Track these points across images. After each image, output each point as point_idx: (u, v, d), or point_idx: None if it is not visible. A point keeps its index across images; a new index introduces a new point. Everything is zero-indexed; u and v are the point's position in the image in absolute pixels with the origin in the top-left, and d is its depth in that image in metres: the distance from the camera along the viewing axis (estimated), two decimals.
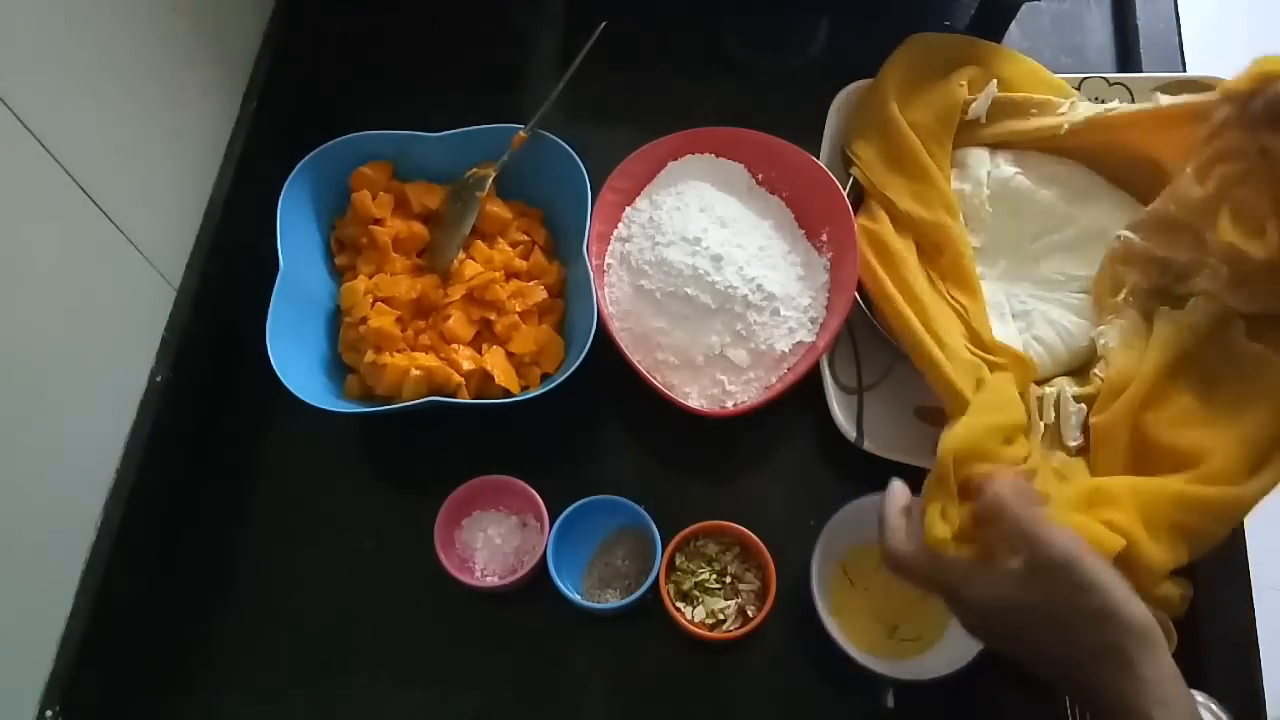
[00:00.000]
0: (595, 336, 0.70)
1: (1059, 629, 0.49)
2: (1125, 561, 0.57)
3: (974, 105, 0.78)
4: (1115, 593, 0.48)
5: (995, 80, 0.79)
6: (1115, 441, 0.64)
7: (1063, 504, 0.60)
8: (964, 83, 0.79)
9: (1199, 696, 0.59)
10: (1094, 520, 0.58)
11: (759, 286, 0.72)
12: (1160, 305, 0.68)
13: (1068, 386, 0.68)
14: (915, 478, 0.67)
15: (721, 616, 0.67)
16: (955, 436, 0.60)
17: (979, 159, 0.78)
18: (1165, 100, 0.74)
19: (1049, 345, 0.72)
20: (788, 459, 0.75)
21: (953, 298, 0.72)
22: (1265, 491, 0.60)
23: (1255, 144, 0.62)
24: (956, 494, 0.56)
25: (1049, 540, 0.49)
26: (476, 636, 0.70)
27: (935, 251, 0.75)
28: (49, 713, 0.62)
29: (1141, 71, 0.87)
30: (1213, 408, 0.63)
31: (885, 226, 0.75)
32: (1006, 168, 0.77)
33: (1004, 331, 0.73)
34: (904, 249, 0.74)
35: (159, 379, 0.72)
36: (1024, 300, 0.75)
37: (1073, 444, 0.66)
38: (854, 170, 0.79)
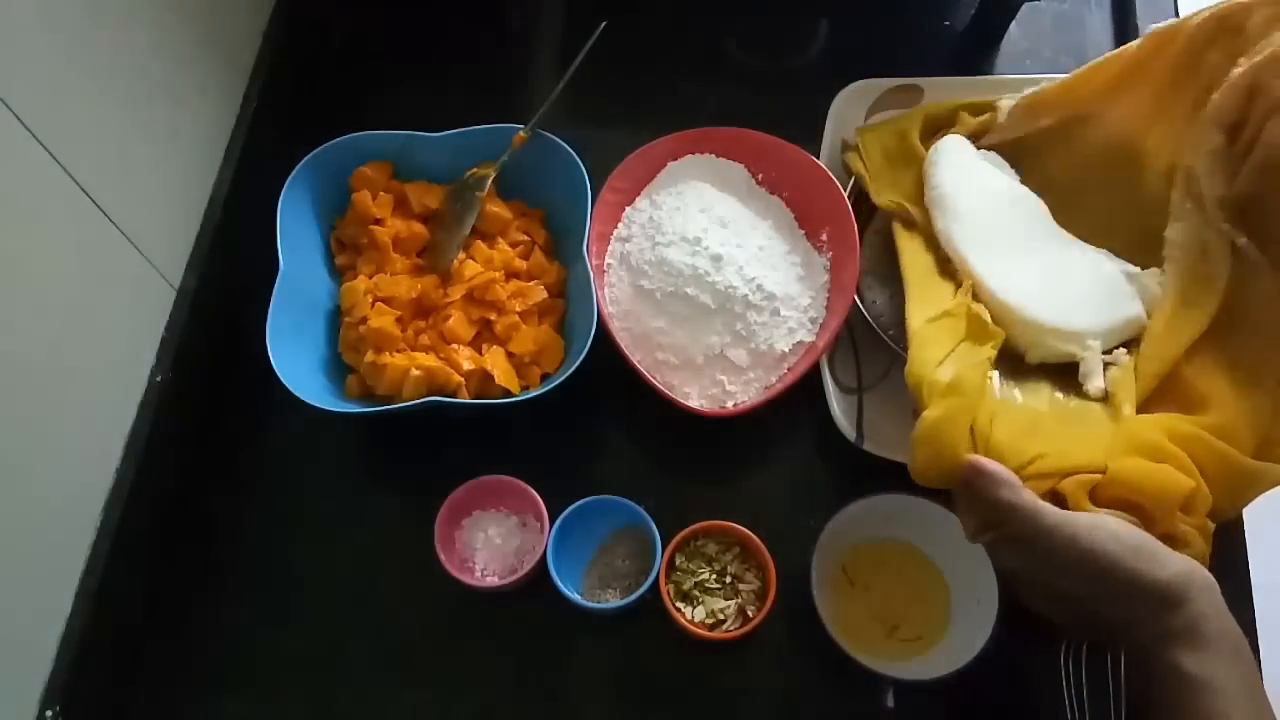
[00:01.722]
0: (595, 336, 0.70)
1: (1087, 606, 0.53)
2: (1189, 501, 0.58)
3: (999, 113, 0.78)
4: (1134, 567, 0.51)
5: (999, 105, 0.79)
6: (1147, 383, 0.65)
7: (1115, 451, 0.60)
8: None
9: None
10: (1153, 462, 0.59)
11: (759, 286, 0.72)
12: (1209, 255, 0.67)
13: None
14: None
15: (721, 616, 0.67)
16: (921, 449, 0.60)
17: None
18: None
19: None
20: (788, 459, 0.75)
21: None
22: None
23: None
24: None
25: (1066, 539, 0.52)
26: (476, 636, 0.70)
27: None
28: (49, 713, 0.62)
29: None
30: (1235, 359, 0.64)
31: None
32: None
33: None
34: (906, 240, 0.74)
35: (159, 379, 0.72)
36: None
37: (1095, 391, 0.66)
38: (848, 156, 0.79)
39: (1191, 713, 0.49)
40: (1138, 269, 0.71)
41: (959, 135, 0.77)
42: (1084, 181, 0.75)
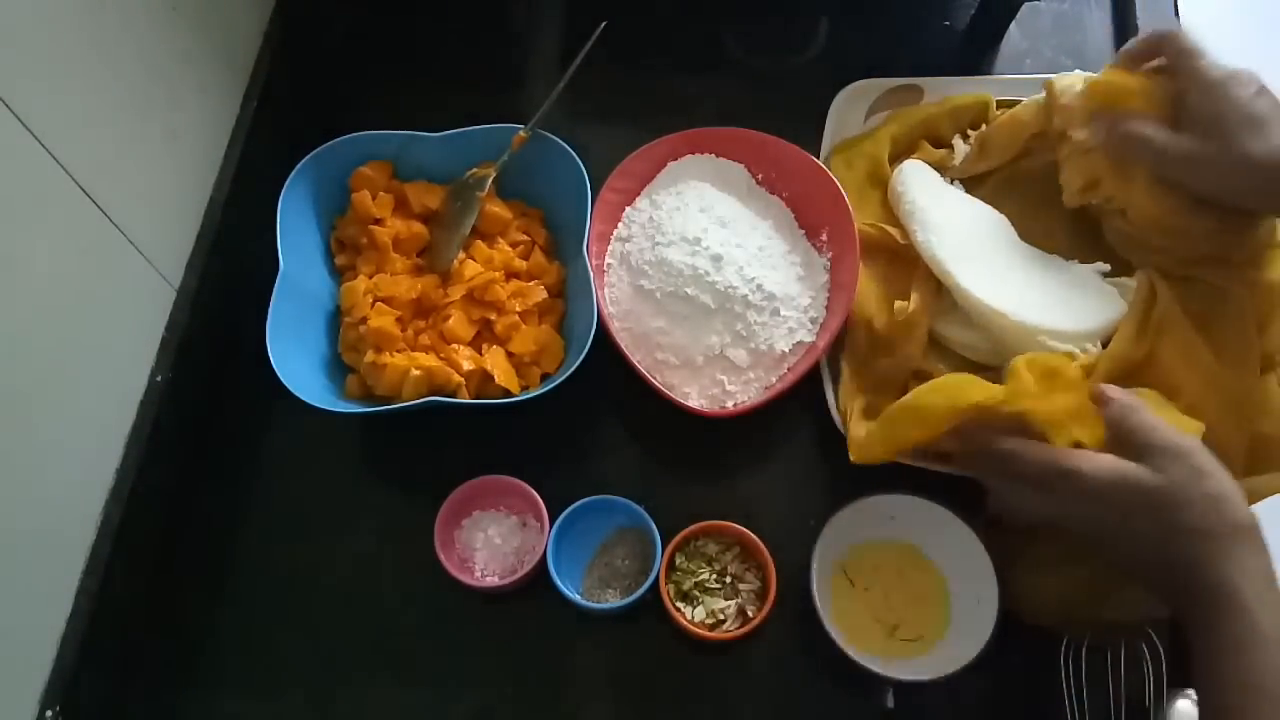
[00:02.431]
0: (595, 336, 0.70)
1: (1174, 509, 0.53)
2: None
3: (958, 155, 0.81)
4: (1230, 484, 0.53)
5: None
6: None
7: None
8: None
9: (1195, 695, 0.59)
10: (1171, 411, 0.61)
11: (759, 286, 0.72)
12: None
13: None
14: (915, 478, 0.67)
15: (721, 616, 0.67)
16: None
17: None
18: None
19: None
20: (788, 459, 0.75)
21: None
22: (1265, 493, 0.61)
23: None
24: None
25: (1173, 433, 0.56)
26: (476, 636, 0.70)
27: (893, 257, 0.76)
28: (49, 713, 0.62)
29: None
30: (1215, 346, 0.65)
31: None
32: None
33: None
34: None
35: (159, 379, 0.72)
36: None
37: None
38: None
39: (1235, 638, 0.50)
40: (1108, 266, 0.72)
41: (921, 160, 0.79)
42: (1032, 214, 0.76)
